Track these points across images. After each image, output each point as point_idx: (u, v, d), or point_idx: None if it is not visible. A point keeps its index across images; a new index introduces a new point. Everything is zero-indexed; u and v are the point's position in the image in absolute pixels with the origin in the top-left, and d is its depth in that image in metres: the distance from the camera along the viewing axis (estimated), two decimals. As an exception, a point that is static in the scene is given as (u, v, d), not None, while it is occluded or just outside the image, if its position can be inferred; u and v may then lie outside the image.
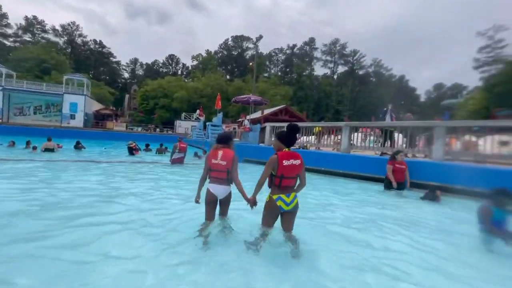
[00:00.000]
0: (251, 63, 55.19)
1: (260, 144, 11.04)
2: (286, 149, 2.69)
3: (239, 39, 74.68)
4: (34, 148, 10.76)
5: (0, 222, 3.24)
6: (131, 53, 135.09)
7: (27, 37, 59.77)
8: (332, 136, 10.22)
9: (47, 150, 10.68)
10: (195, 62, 72.01)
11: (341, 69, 74.68)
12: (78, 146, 12.97)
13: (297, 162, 2.66)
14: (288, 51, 76.09)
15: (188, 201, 4.41)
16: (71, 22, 67.70)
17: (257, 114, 22.60)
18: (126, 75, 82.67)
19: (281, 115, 21.99)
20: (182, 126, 38.12)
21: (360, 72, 73.18)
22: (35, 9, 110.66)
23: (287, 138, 2.72)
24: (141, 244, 2.82)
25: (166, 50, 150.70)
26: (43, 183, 5.71)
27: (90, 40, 70.89)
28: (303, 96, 61.43)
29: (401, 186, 6.14)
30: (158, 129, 40.77)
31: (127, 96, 66.07)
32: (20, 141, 12.48)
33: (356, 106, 66.03)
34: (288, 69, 74.03)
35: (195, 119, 39.23)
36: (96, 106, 39.55)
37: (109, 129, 32.74)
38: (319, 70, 74.36)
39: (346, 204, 5.25)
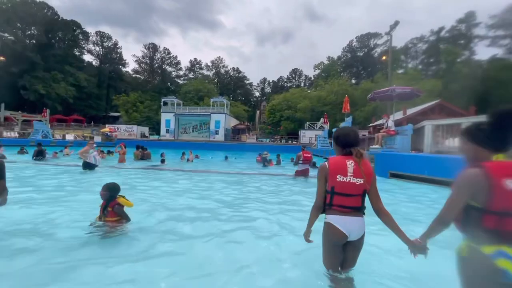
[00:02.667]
0: (384, 57, 47.97)
1: (415, 153, 8.14)
2: (499, 156, 1.32)
3: (365, 38, 67.83)
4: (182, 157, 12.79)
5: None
6: (261, 74, 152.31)
7: (190, 75, 79.34)
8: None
9: (188, 160, 12.40)
10: (317, 71, 71.39)
11: (525, 44, 51.94)
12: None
13: None
14: (431, 38, 61.47)
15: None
16: (218, 57, 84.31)
17: (397, 116, 18.27)
18: (257, 93, 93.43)
19: (432, 114, 16.70)
20: (306, 135, 37.62)
21: None
22: (196, 53, 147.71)
23: (500, 134, 1.32)
24: None
25: (290, 65, 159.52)
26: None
27: (230, 68, 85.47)
28: (458, 90, 46.83)
29: None
30: (283, 140, 42.26)
31: (257, 112, 74.06)
32: (178, 153, 15.30)
33: None
34: (432, 60, 59.45)
35: (319, 127, 37.79)
36: (233, 122, 46.09)
37: (242, 141, 36.89)
38: (484, 51, 55.05)
39: None
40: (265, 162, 12.16)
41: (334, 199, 1.82)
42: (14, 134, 29.05)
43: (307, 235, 1.97)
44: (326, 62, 68.51)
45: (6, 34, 52.10)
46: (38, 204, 4.49)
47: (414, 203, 5.32)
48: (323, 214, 1.92)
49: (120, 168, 9.70)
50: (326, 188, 1.84)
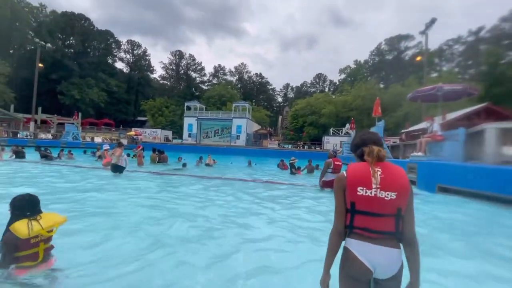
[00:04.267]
0: (418, 57, 44.89)
1: (471, 163, 6.43)
2: None
3: (394, 40, 64.58)
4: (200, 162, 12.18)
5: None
6: (284, 80, 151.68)
7: (214, 80, 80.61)
8: None
9: (207, 165, 11.75)
10: (343, 76, 69.18)
11: None
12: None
13: None
14: (469, 38, 56.96)
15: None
16: (241, 63, 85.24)
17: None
18: (280, 99, 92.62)
19: (478, 119, 14.68)
20: (330, 142, 35.89)
21: None
22: (220, 60, 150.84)
23: None
24: None
25: (314, 70, 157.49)
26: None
27: (253, 74, 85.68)
28: (503, 93, 42.41)
29: None
30: (306, 146, 40.83)
31: (280, 117, 73.17)
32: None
33: None
34: (470, 62, 54.87)
35: (345, 133, 35.93)
36: (255, 127, 45.52)
37: (264, 147, 36.07)
38: (534, 52, 49.66)
39: None
40: (293, 169, 11.09)
41: (356, 220, 1.30)
42: (48, 136, 30.80)
43: (324, 283, 1.39)
44: (352, 66, 66.16)
45: (49, 44, 56.65)
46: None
47: (468, 226, 4.19)
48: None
49: (146, 172, 9.27)
50: (345, 205, 1.33)
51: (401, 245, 1.30)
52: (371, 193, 1.25)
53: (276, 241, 3.20)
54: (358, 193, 1.27)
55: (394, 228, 1.26)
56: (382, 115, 36.54)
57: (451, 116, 16.55)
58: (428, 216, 4.60)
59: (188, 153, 22.54)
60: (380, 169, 1.28)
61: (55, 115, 39.80)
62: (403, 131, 24.48)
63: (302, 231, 3.63)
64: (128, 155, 13.65)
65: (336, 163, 6.89)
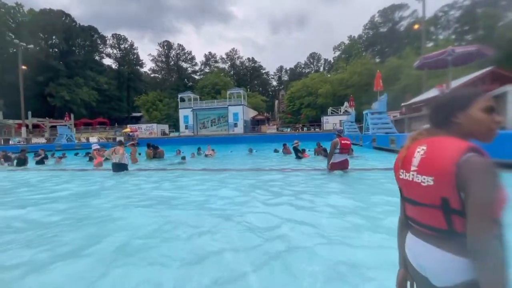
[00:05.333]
0: (416, 25, 43.36)
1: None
2: None
3: (388, 11, 62.57)
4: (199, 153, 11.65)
5: None
6: (277, 63, 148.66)
7: (206, 69, 78.67)
8: None
9: (207, 156, 11.23)
10: (337, 53, 67.52)
11: None
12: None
13: None
14: (465, 3, 55.11)
15: None
16: (232, 49, 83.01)
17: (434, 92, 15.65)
18: (274, 83, 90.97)
19: (484, 85, 13.99)
20: (330, 121, 35.29)
21: None
22: (211, 47, 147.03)
23: None
24: None
25: (307, 50, 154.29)
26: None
27: (245, 59, 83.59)
28: (502, 59, 41.42)
29: None
30: (305, 128, 40.26)
31: (276, 101, 72.02)
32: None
33: None
34: (467, 28, 53.36)
35: (343, 112, 35.32)
36: (252, 113, 44.70)
37: (263, 132, 35.49)
38: (532, 12, 48.15)
39: None
40: (298, 153, 10.36)
41: (406, 208, 1.11)
42: (42, 140, 30.08)
43: (397, 278, 1.20)
44: (346, 42, 64.43)
45: (31, 45, 54.60)
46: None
47: None
48: None
49: (149, 170, 8.73)
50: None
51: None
52: (409, 176, 1.03)
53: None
54: (400, 176, 1.10)
55: (445, 224, 0.92)
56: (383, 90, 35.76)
57: (455, 84, 15.86)
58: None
59: (187, 145, 21.98)
60: (425, 146, 0.99)
61: (47, 118, 38.85)
62: (403, 104, 23.83)
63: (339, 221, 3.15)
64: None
65: (343, 142, 6.35)
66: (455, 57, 7.57)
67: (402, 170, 1.08)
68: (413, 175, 1.02)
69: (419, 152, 1.01)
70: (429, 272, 1.01)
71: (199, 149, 12.87)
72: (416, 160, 1.01)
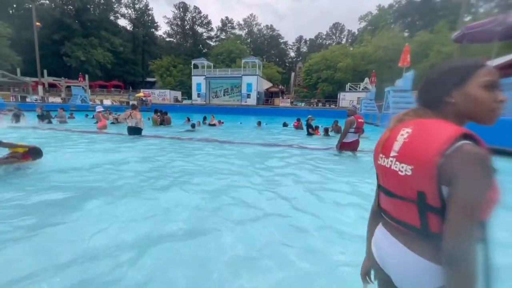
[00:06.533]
0: None
1: None
2: None
3: (426, -22, 56.04)
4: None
5: None
6: (297, 32, 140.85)
7: (222, 35, 75.58)
8: None
9: (211, 125, 10.90)
10: (363, 24, 62.63)
11: None
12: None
13: None
14: (518, -30, 48.26)
15: None
16: (250, 15, 78.65)
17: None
18: (292, 54, 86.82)
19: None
20: (347, 98, 33.70)
21: None
22: (228, 12, 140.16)
23: None
24: None
25: (330, 20, 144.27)
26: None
27: (263, 26, 79.34)
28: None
29: None
30: (320, 104, 38.83)
31: (292, 74, 69.25)
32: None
33: None
34: (515, 0, 47.31)
35: (363, 89, 33.44)
36: (266, 85, 43.27)
37: (276, 105, 34.54)
38: None
39: None
40: (310, 129, 9.81)
41: (380, 198, 0.99)
42: (58, 99, 30.60)
43: (362, 269, 1.12)
44: (375, 12, 59.28)
45: (47, 1, 53.61)
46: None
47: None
48: None
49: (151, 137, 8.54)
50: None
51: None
52: (387, 163, 0.89)
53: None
54: (378, 161, 0.96)
55: (419, 222, 0.80)
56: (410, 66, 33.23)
57: (498, 61, 14.13)
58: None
59: (198, 113, 21.69)
60: (410, 129, 0.84)
61: (63, 78, 39.16)
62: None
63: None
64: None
65: (359, 120, 5.77)
66: (505, 28, 6.41)
67: (381, 155, 0.94)
68: (391, 161, 0.87)
69: (403, 135, 0.86)
70: (392, 272, 0.90)
71: (204, 118, 12.51)
72: (397, 144, 0.86)
